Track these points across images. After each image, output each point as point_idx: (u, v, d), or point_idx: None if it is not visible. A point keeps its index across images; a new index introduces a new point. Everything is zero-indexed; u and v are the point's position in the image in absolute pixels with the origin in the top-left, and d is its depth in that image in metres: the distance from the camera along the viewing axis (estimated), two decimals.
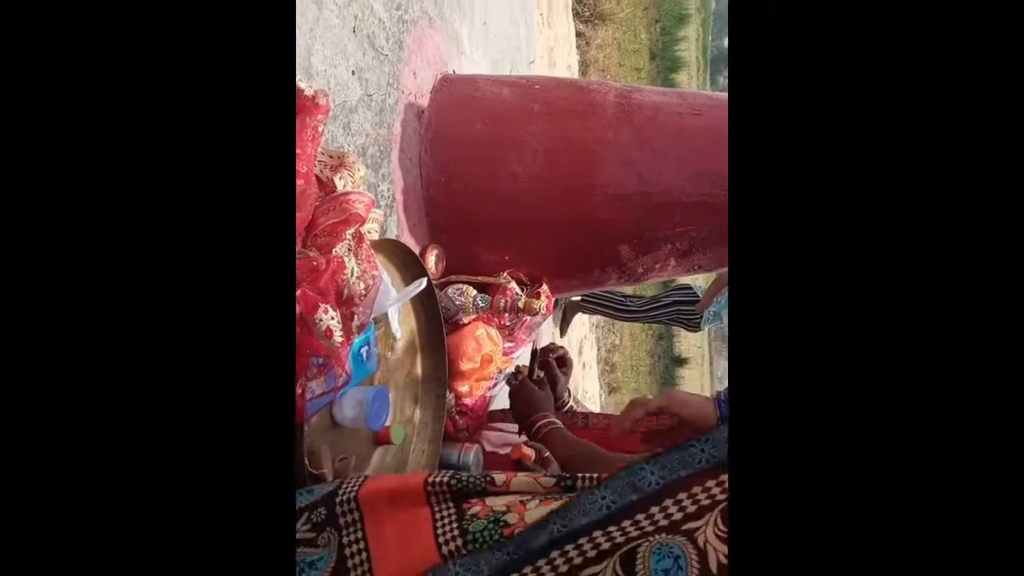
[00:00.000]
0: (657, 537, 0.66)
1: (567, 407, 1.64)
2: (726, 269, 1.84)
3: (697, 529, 0.64)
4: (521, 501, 0.78)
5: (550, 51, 4.29)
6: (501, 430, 1.61)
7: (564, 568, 0.67)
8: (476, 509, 0.79)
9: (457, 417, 1.56)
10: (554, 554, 0.68)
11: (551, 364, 1.55)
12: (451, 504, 0.82)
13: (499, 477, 0.83)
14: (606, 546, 0.67)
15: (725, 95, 1.78)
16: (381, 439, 1.27)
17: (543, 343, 1.86)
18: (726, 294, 3.22)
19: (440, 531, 0.77)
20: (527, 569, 0.69)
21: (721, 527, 0.63)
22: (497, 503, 0.79)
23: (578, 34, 5.45)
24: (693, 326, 3.62)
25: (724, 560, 0.61)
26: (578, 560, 0.67)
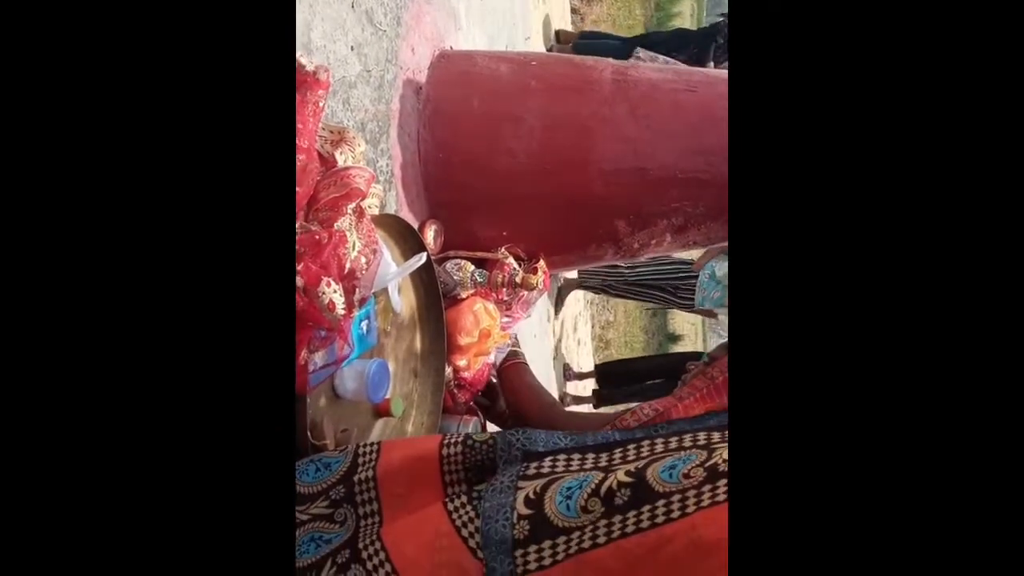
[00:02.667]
0: None
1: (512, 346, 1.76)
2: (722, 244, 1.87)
3: None
4: None
5: (545, 27, 4.27)
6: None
7: (703, 440, 0.79)
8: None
9: (455, 390, 1.58)
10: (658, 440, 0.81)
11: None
12: (463, 485, 0.85)
13: None
14: (702, 441, 0.78)
15: (720, 72, 1.79)
16: (381, 411, 1.29)
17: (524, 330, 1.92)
18: (723, 267, 3.24)
19: (457, 519, 0.79)
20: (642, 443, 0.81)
21: None
22: None
23: (573, 10, 5.42)
24: (686, 302, 3.60)
25: None
26: (685, 443, 0.79)
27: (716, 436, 0.78)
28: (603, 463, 0.79)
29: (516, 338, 1.79)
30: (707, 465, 0.70)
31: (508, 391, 1.64)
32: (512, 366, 1.67)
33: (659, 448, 0.79)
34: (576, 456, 0.81)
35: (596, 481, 0.73)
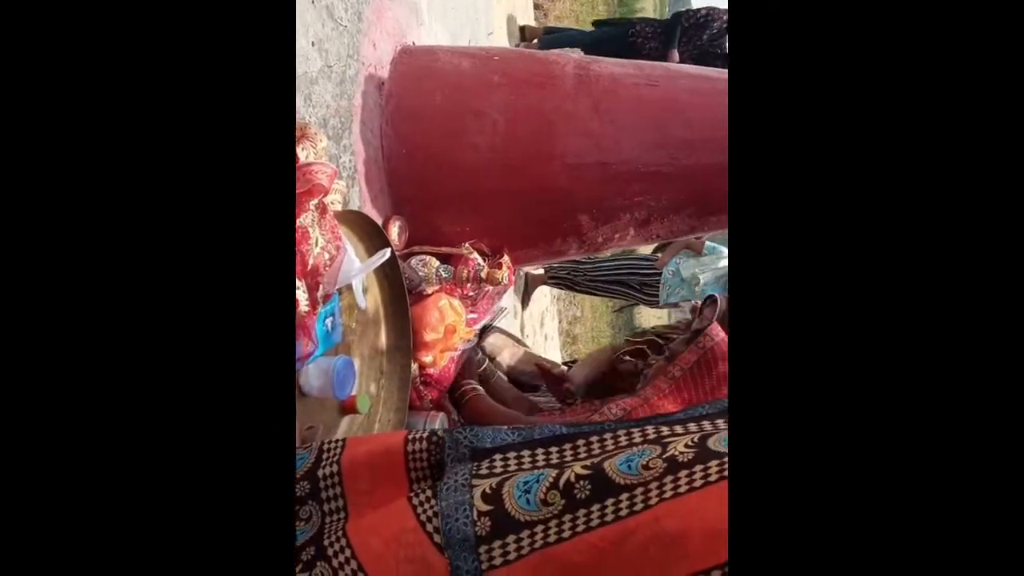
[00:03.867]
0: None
1: (483, 367, 1.74)
2: (684, 238, 1.88)
3: None
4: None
5: (509, 22, 4.27)
6: None
7: (652, 435, 0.80)
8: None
9: (422, 387, 1.57)
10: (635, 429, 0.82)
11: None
12: (428, 481, 0.85)
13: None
14: (652, 436, 0.79)
15: (681, 67, 1.81)
16: (347, 408, 1.29)
17: (500, 321, 1.91)
18: (687, 264, 3.26)
19: (422, 515, 0.79)
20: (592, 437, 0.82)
21: None
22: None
23: (536, 6, 5.42)
24: (651, 299, 3.62)
25: None
26: (666, 431, 0.79)
27: (665, 430, 0.79)
28: (555, 460, 0.80)
29: (480, 343, 1.77)
30: (665, 456, 0.70)
31: (480, 421, 1.55)
32: (472, 399, 1.61)
33: (609, 445, 0.80)
34: (526, 453, 0.81)
35: (553, 475, 0.74)
